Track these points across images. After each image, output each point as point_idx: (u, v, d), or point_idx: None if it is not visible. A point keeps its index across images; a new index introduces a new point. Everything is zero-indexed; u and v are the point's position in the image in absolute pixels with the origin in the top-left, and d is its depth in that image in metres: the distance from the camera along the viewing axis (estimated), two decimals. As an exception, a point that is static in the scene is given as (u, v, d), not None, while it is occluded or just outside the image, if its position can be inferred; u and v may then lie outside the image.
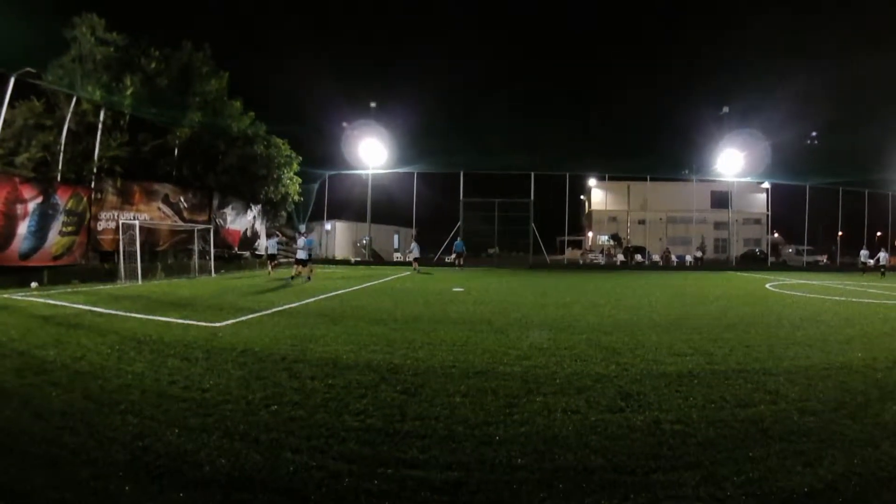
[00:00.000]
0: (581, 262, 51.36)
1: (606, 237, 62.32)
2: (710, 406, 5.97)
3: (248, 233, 36.19)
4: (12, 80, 21.36)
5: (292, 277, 22.78)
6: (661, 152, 44.24)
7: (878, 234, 60.24)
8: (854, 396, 6.57)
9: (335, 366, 7.53)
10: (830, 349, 9.76)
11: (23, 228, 20.20)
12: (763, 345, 9.86)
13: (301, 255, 23.91)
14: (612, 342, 9.66)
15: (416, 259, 36.41)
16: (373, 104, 44.95)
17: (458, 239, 43.33)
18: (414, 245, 37.15)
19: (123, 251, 22.88)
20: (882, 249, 31.08)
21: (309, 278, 23.43)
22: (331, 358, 8.03)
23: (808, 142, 37.95)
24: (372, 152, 46.81)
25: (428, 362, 7.83)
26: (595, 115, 38.89)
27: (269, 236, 33.20)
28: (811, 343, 10.29)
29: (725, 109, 37.27)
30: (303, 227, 45.49)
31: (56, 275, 20.92)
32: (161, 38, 29.22)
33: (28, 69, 21.67)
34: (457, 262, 40.94)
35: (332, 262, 46.00)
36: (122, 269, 22.51)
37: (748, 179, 55.76)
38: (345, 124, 44.29)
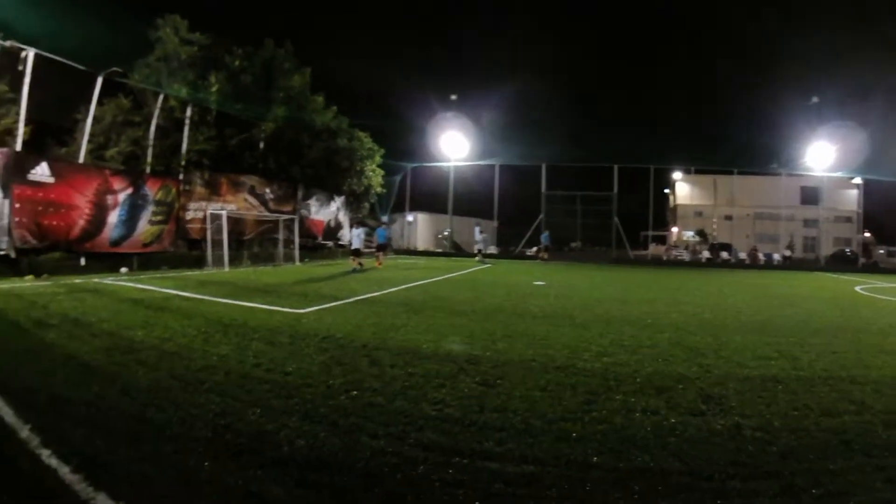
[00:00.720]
0: (665, 258, 50.34)
1: (692, 233, 61.01)
2: (793, 414, 5.76)
3: (332, 223, 36.99)
4: (100, 80, 22.30)
5: (354, 270, 23.04)
6: (749, 144, 42.57)
7: None
8: None
9: (415, 355, 7.64)
10: None
11: (113, 217, 21.35)
12: (851, 351, 9.46)
13: (356, 243, 24.40)
14: (695, 342, 9.46)
15: (479, 250, 36.51)
16: (454, 96, 44.92)
17: (544, 232, 42.80)
18: (482, 236, 37.12)
19: (210, 239, 23.65)
20: None
21: (360, 266, 23.64)
22: (411, 347, 8.15)
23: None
24: (453, 144, 46.77)
25: (508, 355, 7.84)
26: (680, 106, 37.73)
27: (354, 226, 33.86)
28: None
29: (815, 99, 35.90)
30: (385, 218, 46.00)
31: (145, 261, 21.91)
32: (243, 37, 30.34)
33: (115, 69, 22.61)
34: (540, 255, 40.55)
35: (414, 252, 46.35)
36: (209, 257, 23.31)
37: (839, 174, 53.19)
38: (454, 97, 44.32)
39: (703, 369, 7.50)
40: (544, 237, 40.62)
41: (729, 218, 64.09)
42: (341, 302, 13.10)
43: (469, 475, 4.01)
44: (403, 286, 17.72)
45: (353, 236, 26.49)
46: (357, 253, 24.97)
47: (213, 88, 26.55)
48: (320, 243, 35.47)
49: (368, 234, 37.01)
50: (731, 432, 5.10)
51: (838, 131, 38.45)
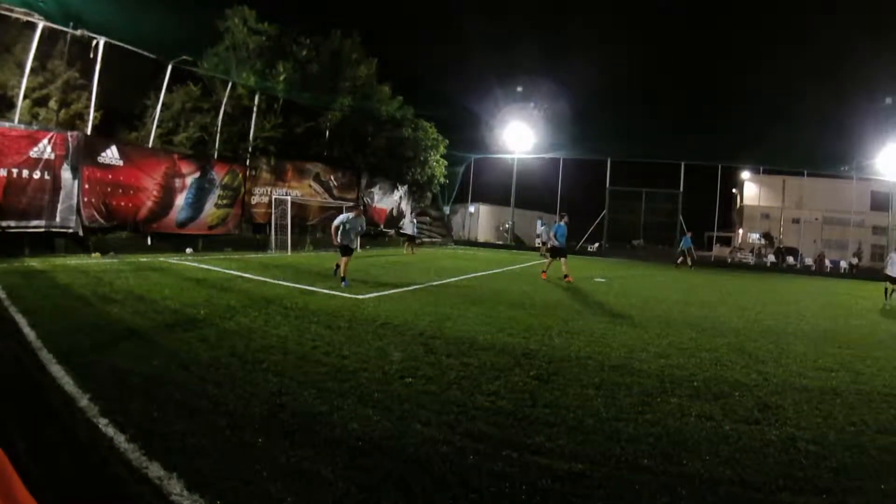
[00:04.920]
0: (729, 260, 49.43)
1: (758, 235, 59.72)
2: (850, 429, 5.60)
3: (394, 212, 37.34)
4: (170, 68, 22.88)
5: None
6: (820, 146, 41.32)
7: None
8: None
9: (471, 345, 7.70)
10: None
11: (180, 200, 22.19)
12: None
13: (409, 229, 24.63)
14: (755, 349, 9.26)
15: (544, 244, 36.22)
16: (519, 88, 44.49)
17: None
18: (543, 229, 36.71)
19: (275, 224, 24.14)
20: None
21: (413, 252, 23.77)
22: (467, 337, 8.21)
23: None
24: (517, 136, 46.34)
25: (564, 351, 7.84)
26: (750, 105, 36.86)
27: (411, 216, 34.02)
28: None
29: (889, 100, 34.71)
30: (447, 209, 46.07)
31: (210, 243, 22.53)
32: (311, 27, 30.61)
33: (184, 57, 23.14)
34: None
35: (474, 244, 46.35)
36: (272, 241, 23.74)
37: None
38: (519, 88, 43.94)
39: (762, 377, 7.35)
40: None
41: (796, 221, 62.44)
42: (400, 290, 13.24)
43: (517, 468, 4.04)
44: (462, 277, 17.80)
45: (404, 224, 26.57)
46: (412, 240, 25.11)
47: (281, 77, 26.94)
48: (382, 231, 35.82)
49: (427, 225, 37.24)
50: (786, 444, 5.01)
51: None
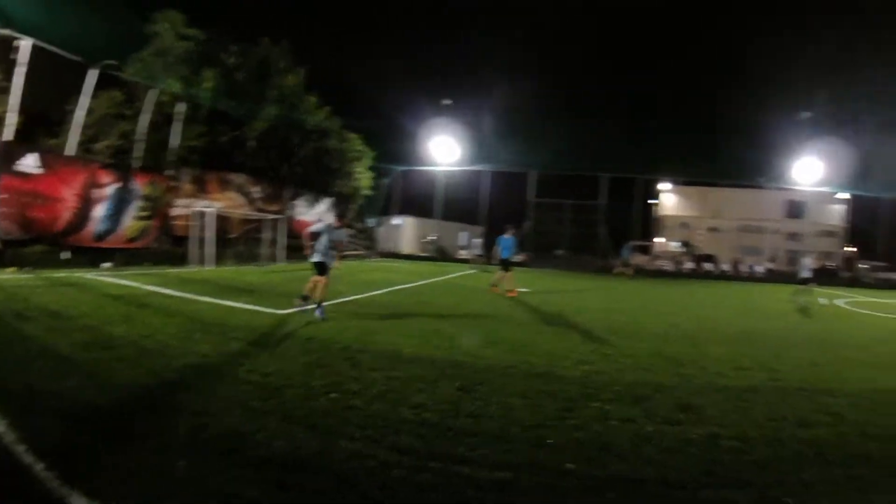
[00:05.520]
0: (649, 267, 50.63)
1: (677, 243, 61.33)
2: (770, 424, 5.85)
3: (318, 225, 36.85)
4: (94, 72, 22.26)
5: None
6: (736, 158, 42.84)
7: None
8: None
9: (396, 358, 7.65)
10: None
11: (99, 211, 21.27)
12: (829, 364, 9.58)
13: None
14: (675, 352, 9.51)
15: (478, 255, 36.54)
16: (446, 101, 44.58)
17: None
18: (474, 241, 37.13)
19: (196, 237, 23.57)
20: None
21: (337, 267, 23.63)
22: (393, 350, 8.14)
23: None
24: (444, 149, 46.29)
25: (488, 361, 7.85)
26: (669, 119, 37.73)
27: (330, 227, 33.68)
28: (880, 365, 9.92)
29: (806, 115, 36.13)
30: (372, 222, 45.97)
31: (129, 257, 21.80)
32: (240, 33, 30.05)
33: (110, 62, 22.52)
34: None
35: (399, 256, 46.24)
36: (193, 254, 23.18)
37: (826, 189, 54.08)
38: (446, 101, 43.74)
39: (682, 379, 7.58)
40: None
41: (714, 230, 64.57)
42: (325, 304, 13.08)
43: (442, 479, 4.04)
44: (388, 289, 17.69)
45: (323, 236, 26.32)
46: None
47: (207, 85, 26.45)
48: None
49: (352, 238, 36.95)
50: (707, 442, 5.17)
51: (826, 147, 38.76)
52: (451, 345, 8.84)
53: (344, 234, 12.77)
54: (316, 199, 36.02)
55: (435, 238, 49.40)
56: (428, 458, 4.39)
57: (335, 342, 8.47)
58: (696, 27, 24.48)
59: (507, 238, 18.34)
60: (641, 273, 39.91)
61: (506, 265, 18.22)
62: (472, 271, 31.07)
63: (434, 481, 4.00)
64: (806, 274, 24.02)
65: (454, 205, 52.33)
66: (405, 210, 52.02)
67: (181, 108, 26.44)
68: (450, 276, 26.38)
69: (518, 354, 8.40)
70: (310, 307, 11.39)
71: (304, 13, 35.43)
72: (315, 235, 12.10)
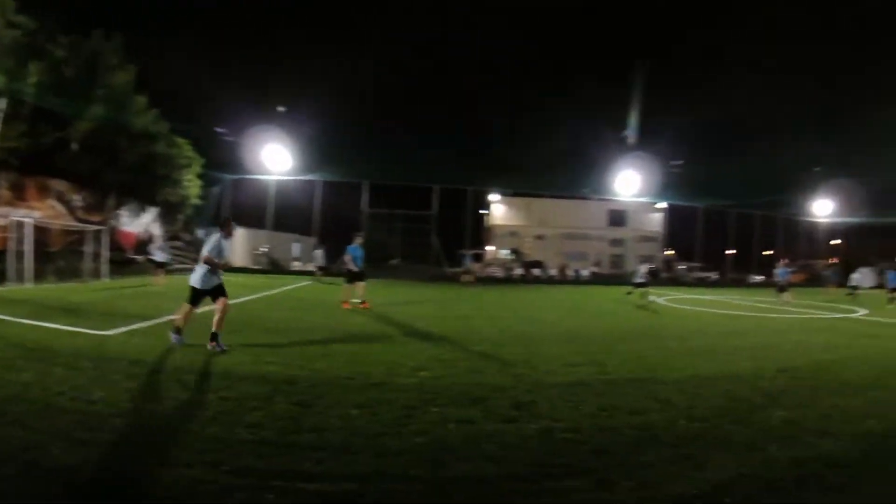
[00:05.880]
0: (480, 274, 51.85)
1: (507, 251, 63.17)
2: (602, 414, 6.16)
3: (145, 236, 34.73)
4: None
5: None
6: (562, 171, 44.99)
7: (767, 253, 65.35)
8: (741, 403, 6.98)
9: (229, 377, 7.29)
10: (719, 359, 10.27)
11: None
12: (654, 356, 10.27)
13: (159, 256, 23.36)
14: (507, 354, 9.78)
15: (319, 267, 35.95)
16: (281, 108, 42.96)
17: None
18: (317, 252, 36.55)
19: (13, 251, 21.70)
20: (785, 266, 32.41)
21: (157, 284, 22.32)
22: (224, 369, 7.77)
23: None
24: (276, 158, 45.57)
25: (325, 374, 7.69)
26: (498, 133, 38.81)
27: (162, 240, 31.72)
28: (700, 354, 10.77)
29: (626, 133, 38.34)
30: (201, 233, 43.97)
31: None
32: (71, 25, 27.70)
33: None
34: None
35: (230, 269, 44.52)
36: (10, 271, 21.36)
37: (645, 200, 58.51)
38: (280, 109, 41.80)
39: (516, 379, 7.79)
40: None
41: (541, 237, 67.06)
42: (150, 322, 12.36)
43: (288, 499, 3.90)
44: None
45: (154, 251, 24.87)
46: (162, 266, 23.51)
47: (32, 79, 24.43)
48: (131, 258, 33.06)
49: (178, 250, 35.12)
50: (544, 435, 5.34)
51: (646, 162, 41.29)
52: (285, 360, 8.56)
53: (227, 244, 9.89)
54: (142, 208, 33.92)
55: (266, 249, 48.18)
56: (270, 478, 4.21)
57: (163, 364, 8.02)
58: (526, 58, 25.48)
59: (357, 247, 17.95)
60: (459, 281, 40.81)
61: (356, 276, 17.84)
62: (306, 283, 30.64)
63: (279, 501, 3.85)
64: (641, 279, 25.74)
65: (286, 215, 51.19)
66: (235, 221, 50.19)
67: (2, 104, 24.23)
68: (283, 288, 25.87)
69: (355, 366, 8.29)
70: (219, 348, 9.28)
71: (139, 6, 33.23)
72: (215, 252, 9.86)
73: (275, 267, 46.23)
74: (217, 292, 9.94)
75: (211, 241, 9.88)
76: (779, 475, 4.68)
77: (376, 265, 45.69)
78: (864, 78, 26.77)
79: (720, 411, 6.54)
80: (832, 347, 12.64)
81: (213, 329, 9.41)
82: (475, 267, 50.72)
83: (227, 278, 10.69)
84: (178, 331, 9.70)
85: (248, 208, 50.47)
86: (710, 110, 31.02)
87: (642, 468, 4.63)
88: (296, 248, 51.15)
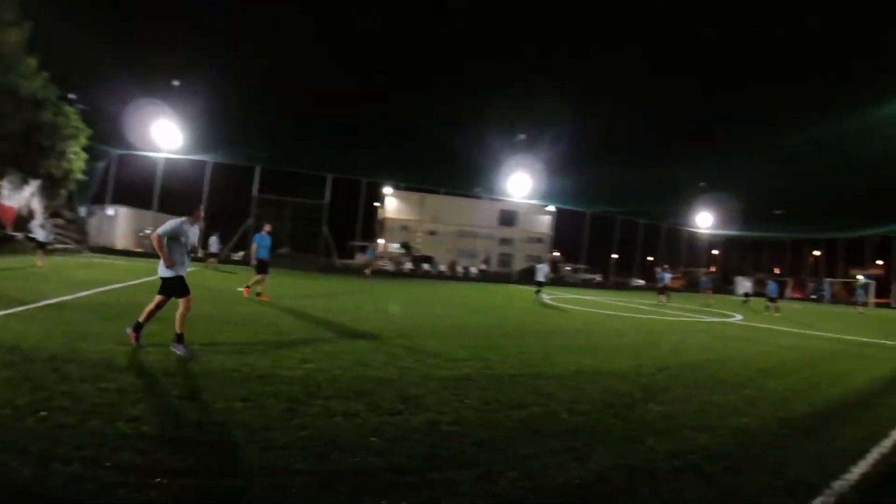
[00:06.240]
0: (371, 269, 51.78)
1: (397, 245, 63.33)
2: (486, 408, 6.31)
3: (25, 211, 32.30)
4: None
5: None
6: (457, 169, 45.27)
7: (650, 258, 69.21)
8: (621, 398, 7.30)
9: (109, 367, 6.96)
10: (601, 357, 10.70)
11: None
12: (537, 352, 10.59)
13: (41, 236, 22.10)
14: (394, 347, 9.86)
15: (212, 254, 34.72)
16: (175, 82, 39.74)
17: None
18: (212, 239, 35.10)
19: None
20: (665, 270, 34.17)
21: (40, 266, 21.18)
22: (104, 358, 7.40)
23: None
24: (167, 134, 41.06)
25: (207, 365, 7.48)
26: (395, 127, 38.30)
27: (43, 218, 29.57)
28: (583, 351, 11.18)
29: (522, 136, 38.90)
30: (83, 210, 41.61)
31: None
32: None
33: None
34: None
35: (113, 251, 42.42)
36: None
37: (535, 202, 59.86)
38: (175, 82, 38.47)
39: (401, 372, 7.87)
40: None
41: (433, 233, 67.58)
42: (29, 306, 11.70)
43: (171, 496, 3.77)
44: (99, 289, 16.27)
45: (36, 228, 23.49)
46: (42, 246, 22.31)
47: None
48: (8, 235, 30.41)
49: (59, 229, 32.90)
50: (429, 428, 5.42)
51: (537, 165, 41.98)
52: (167, 350, 8.22)
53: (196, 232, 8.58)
54: (24, 181, 31.49)
55: (149, 232, 45.76)
56: (153, 475, 4.04)
57: (40, 351, 7.58)
58: (425, 43, 25.43)
59: (264, 236, 17.28)
60: (350, 272, 40.70)
61: (262, 266, 17.08)
62: (192, 269, 29.73)
63: (161, 498, 3.72)
64: (541, 278, 26.49)
65: (173, 196, 48.47)
66: (120, 199, 47.51)
67: None
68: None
69: (239, 357, 8.12)
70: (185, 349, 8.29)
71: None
72: (167, 238, 8.74)
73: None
74: (182, 288, 8.84)
75: (170, 224, 8.75)
76: (658, 466, 4.91)
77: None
78: (740, 100, 28.24)
79: (601, 406, 6.82)
80: (709, 348, 13.42)
81: (178, 330, 8.47)
82: (361, 260, 50.69)
83: (110, 261, 10.25)
84: (138, 326, 8.54)
85: (134, 186, 47.63)
86: (601, 120, 31.94)
87: (525, 460, 4.76)
88: (191, 234, 49.42)
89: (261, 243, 17.17)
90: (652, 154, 38.14)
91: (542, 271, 28.71)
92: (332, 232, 48.18)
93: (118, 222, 46.75)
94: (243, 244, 44.95)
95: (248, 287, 17.19)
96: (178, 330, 8.41)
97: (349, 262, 54.13)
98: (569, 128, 32.50)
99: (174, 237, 8.72)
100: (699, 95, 28.97)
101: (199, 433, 4.95)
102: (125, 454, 4.37)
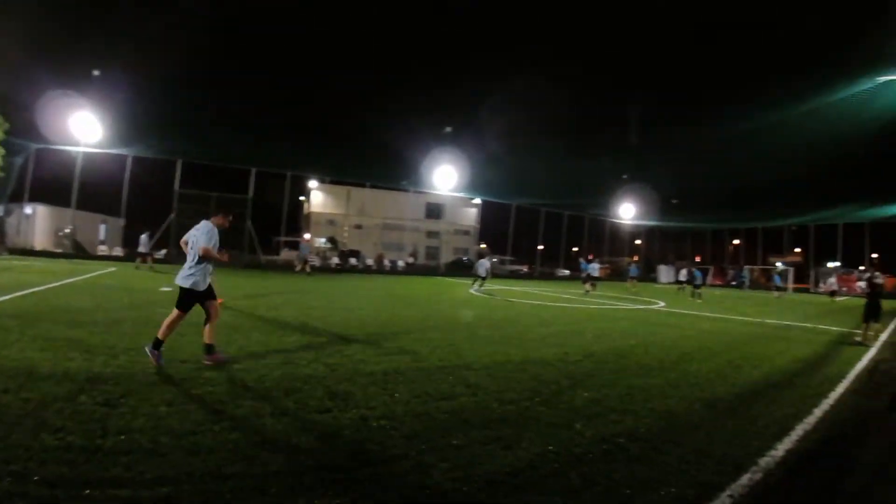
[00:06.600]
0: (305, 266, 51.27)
1: (324, 240, 62.91)
2: (415, 401, 6.37)
3: None
4: None
5: None
6: (383, 162, 45.05)
7: (575, 249, 70.66)
8: (549, 386, 7.48)
9: (29, 376, 6.73)
10: (527, 346, 10.91)
11: None
12: (466, 344, 10.73)
13: None
14: (321, 343, 9.84)
15: (143, 254, 33.29)
16: (96, 72, 37.58)
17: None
18: (143, 237, 33.68)
19: None
20: (591, 261, 34.99)
21: None
22: (24, 367, 7.15)
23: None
24: (86, 127, 38.22)
25: (130, 369, 7.28)
26: (320, 120, 37.65)
27: None
28: (510, 341, 11.37)
29: (448, 129, 39.00)
30: (1, 210, 39.65)
31: None
32: None
33: None
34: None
35: (31, 253, 40.50)
36: None
37: (461, 195, 60.28)
38: (95, 72, 36.16)
39: (329, 369, 7.84)
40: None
41: (359, 227, 67.47)
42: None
43: (101, 507, 3.70)
44: (16, 293, 15.59)
45: None
46: None
47: None
48: None
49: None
50: (358, 424, 5.44)
51: (464, 158, 42.16)
52: (89, 355, 8.00)
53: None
54: None
55: (70, 230, 43.92)
56: (81, 487, 3.96)
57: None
58: (345, 38, 25.20)
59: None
60: (275, 268, 40.32)
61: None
62: (112, 269, 28.99)
63: (91, 510, 3.65)
64: (482, 273, 26.73)
65: (92, 192, 46.66)
66: (38, 197, 45.50)
67: None
68: (88, 275, 24.14)
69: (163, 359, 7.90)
70: (220, 357, 8.10)
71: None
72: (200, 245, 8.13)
73: (80, 251, 42.56)
74: (209, 296, 8.38)
75: (205, 229, 8.25)
76: (586, 450, 5.07)
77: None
78: (657, 95, 28.98)
79: (529, 394, 6.96)
80: (633, 334, 13.79)
81: (207, 340, 8.13)
82: (286, 255, 50.19)
83: (28, 262, 9.90)
84: (157, 344, 7.81)
85: (53, 183, 45.29)
86: (523, 112, 32.21)
87: (456, 451, 4.84)
88: (102, 230, 47.78)
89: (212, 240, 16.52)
90: (575, 147, 38.70)
91: (484, 266, 28.99)
92: (256, 227, 47.41)
93: (37, 221, 44.79)
94: (166, 241, 43.64)
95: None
96: (207, 341, 8.12)
97: (275, 258, 53.45)
98: (493, 120, 32.73)
99: (215, 242, 8.27)
100: (617, 90, 29.51)
101: (126, 441, 4.82)
102: (53, 467, 4.26)
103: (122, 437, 4.91)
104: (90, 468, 4.26)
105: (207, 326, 8.13)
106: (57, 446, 4.64)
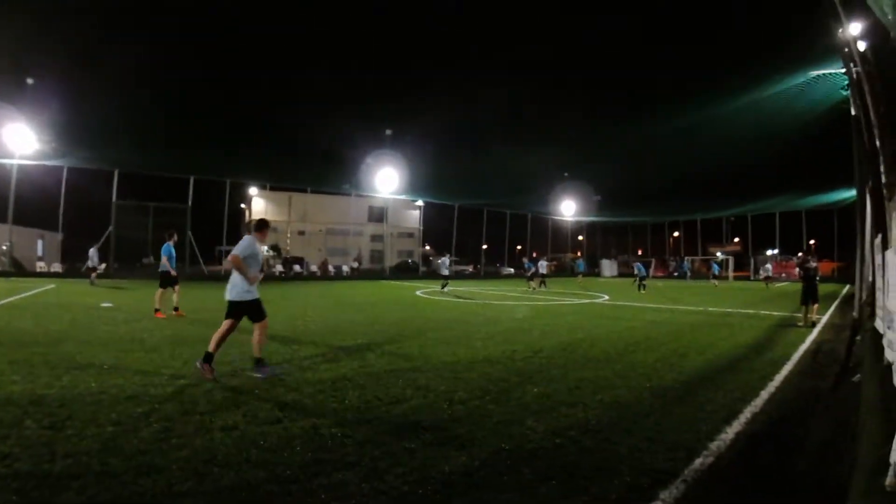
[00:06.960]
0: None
1: (266, 247, 62.33)
2: (365, 406, 6.38)
3: None
4: None
5: None
6: (323, 166, 44.72)
7: (518, 247, 71.44)
8: (498, 383, 7.59)
9: None
10: (475, 345, 11.01)
11: None
12: (413, 346, 10.81)
13: None
14: (269, 353, 9.54)
15: (92, 269, 32.24)
16: (30, 80, 35.58)
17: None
18: (92, 251, 32.65)
19: None
20: (541, 259, 35.46)
21: None
22: None
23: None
24: (19, 139, 36.51)
25: (75, 390, 7.07)
26: (256, 125, 37.06)
27: None
28: (458, 341, 11.47)
29: (388, 132, 38.93)
30: None
31: None
32: None
33: None
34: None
35: None
36: None
37: (404, 197, 60.25)
38: (29, 80, 34.20)
39: (277, 378, 7.80)
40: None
41: (302, 233, 67.03)
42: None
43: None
44: None
45: None
46: None
47: None
48: None
49: None
50: (310, 433, 5.41)
51: (405, 160, 42.23)
52: (31, 377, 7.74)
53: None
54: None
55: (7, 247, 42.28)
56: (33, 514, 3.87)
57: None
58: (283, 43, 25.05)
59: (170, 246, 16.16)
60: (217, 279, 39.80)
61: (169, 279, 16.23)
62: (51, 286, 28.22)
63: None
64: (445, 272, 26.89)
65: (28, 207, 44.94)
66: None
67: None
68: (26, 293, 23.34)
69: (108, 378, 7.72)
70: (269, 371, 8.09)
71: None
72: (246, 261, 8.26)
73: (17, 268, 41.08)
74: (259, 311, 8.31)
75: (243, 242, 8.38)
76: (539, 445, 5.15)
77: (128, 264, 42.76)
78: (592, 94, 29.50)
79: (479, 393, 7.04)
80: (579, 328, 14.01)
81: (256, 354, 8.18)
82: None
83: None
84: (209, 358, 7.91)
85: None
86: (462, 114, 32.40)
87: (409, 454, 4.85)
88: (40, 246, 46.28)
89: (169, 254, 16.19)
90: (514, 145, 39.01)
91: (444, 265, 29.03)
92: (196, 237, 46.55)
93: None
94: (105, 255, 42.42)
95: (159, 311, 15.97)
96: (256, 354, 8.13)
97: (218, 268, 52.58)
98: (432, 122, 32.85)
99: (252, 255, 8.31)
100: (554, 90, 29.87)
101: (75, 465, 4.68)
102: (1, 495, 4.14)
103: (71, 460, 4.77)
104: (40, 494, 4.15)
105: (259, 336, 8.20)
106: (4, 474, 4.48)
